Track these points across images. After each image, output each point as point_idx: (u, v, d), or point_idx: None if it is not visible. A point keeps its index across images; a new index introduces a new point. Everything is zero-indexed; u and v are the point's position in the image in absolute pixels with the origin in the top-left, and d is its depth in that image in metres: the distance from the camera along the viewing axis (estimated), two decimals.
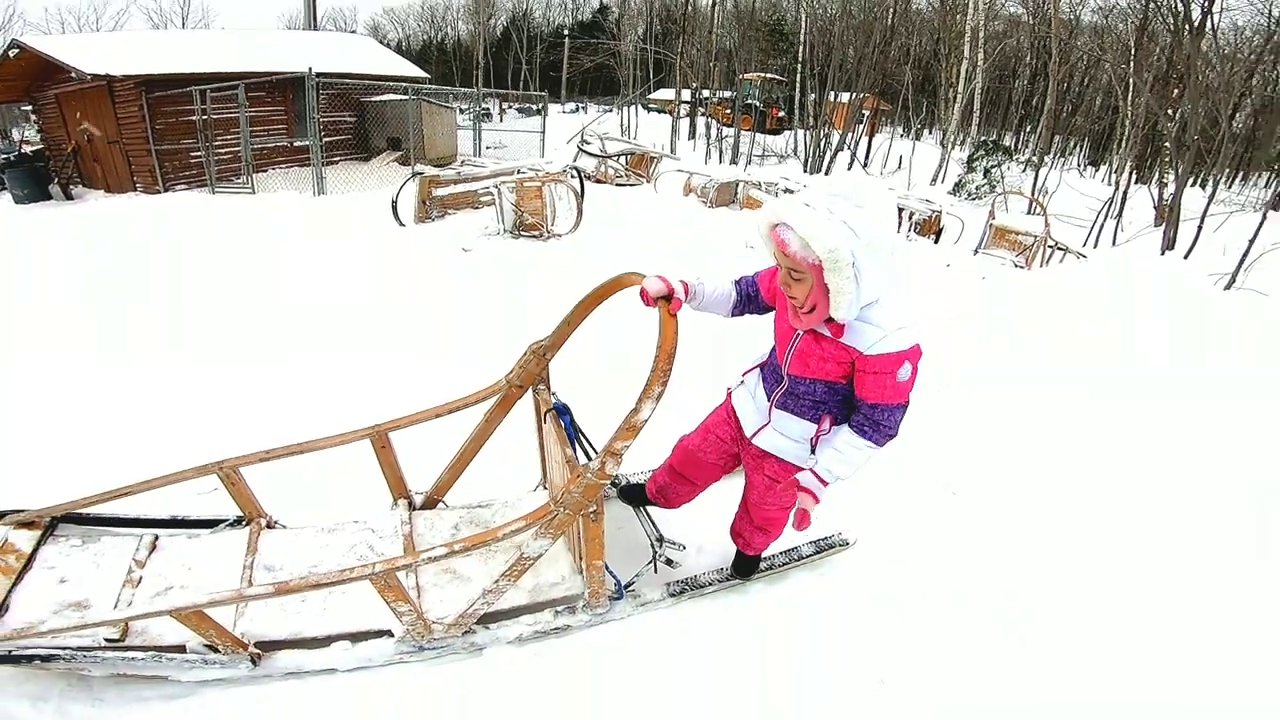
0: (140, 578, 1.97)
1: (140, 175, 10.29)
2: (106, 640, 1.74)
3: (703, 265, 4.93)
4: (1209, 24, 12.94)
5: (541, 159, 12.03)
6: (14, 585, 1.85)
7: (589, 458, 2.06)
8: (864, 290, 1.35)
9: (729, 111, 22.08)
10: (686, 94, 27.52)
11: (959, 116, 17.00)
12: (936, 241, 8.72)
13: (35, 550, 1.97)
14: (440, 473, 2.34)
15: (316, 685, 1.83)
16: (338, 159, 12.17)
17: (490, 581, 1.83)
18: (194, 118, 10.02)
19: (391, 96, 12.72)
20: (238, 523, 2.22)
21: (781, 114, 23.06)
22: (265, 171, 10.91)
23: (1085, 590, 2.35)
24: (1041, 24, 20.46)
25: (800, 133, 17.67)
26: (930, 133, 23.20)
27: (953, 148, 17.09)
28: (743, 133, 17.51)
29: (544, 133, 13.36)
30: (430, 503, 2.39)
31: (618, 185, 9.97)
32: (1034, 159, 16.38)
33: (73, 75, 9.87)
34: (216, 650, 1.76)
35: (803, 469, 1.66)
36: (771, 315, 1.76)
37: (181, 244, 5.72)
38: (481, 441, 2.27)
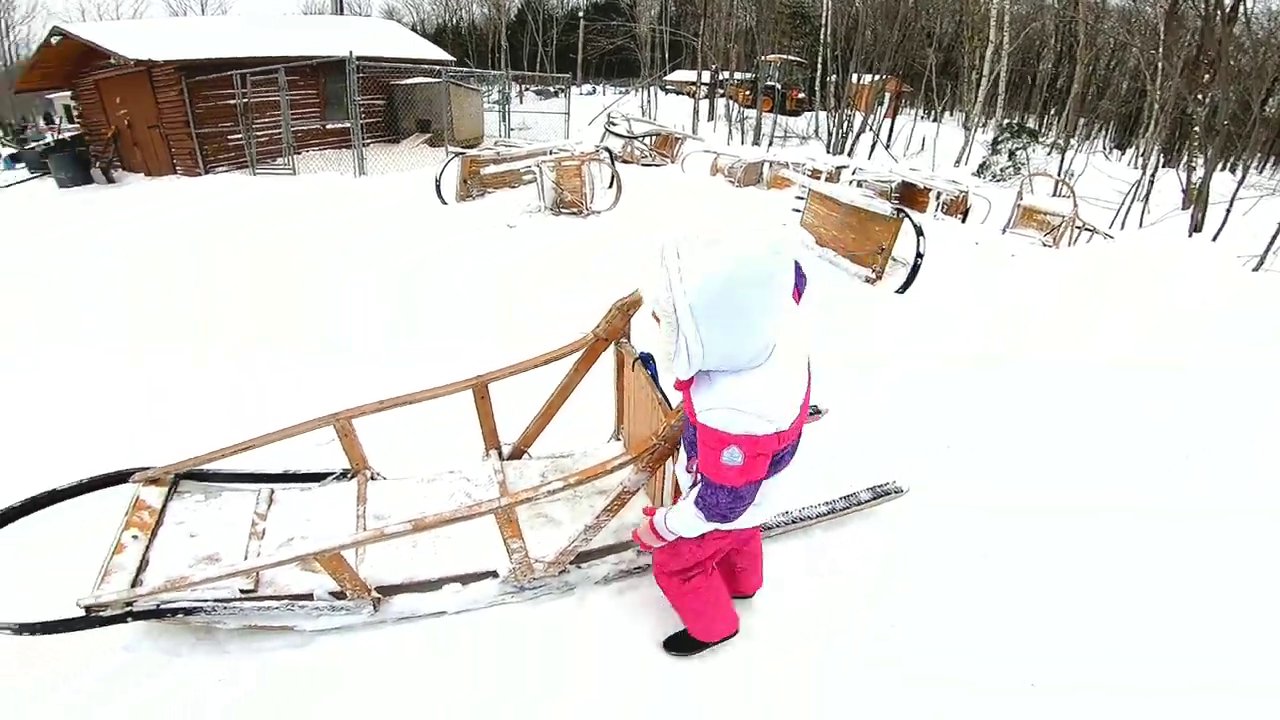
0: (264, 530, 2.09)
1: (180, 158, 10.55)
2: (241, 591, 1.85)
3: None
4: (1241, 8, 12.70)
5: (566, 140, 12.21)
6: (151, 541, 1.97)
7: (669, 404, 2.23)
8: (694, 351, 1.16)
9: (748, 93, 22.00)
10: (705, 76, 27.46)
11: (983, 99, 16.86)
12: (964, 221, 8.79)
13: (164, 506, 2.09)
14: (527, 424, 2.52)
15: (427, 627, 1.94)
16: (368, 141, 12.32)
17: (591, 518, 1.97)
18: (232, 101, 10.25)
19: (421, 79, 12.88)
20: (343, 475, 2.38)
21: (801, 95, 22.92)
22: (299, 154, 11.16)
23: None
24: (1068, 7, 20.12)
25: (821, 114, 17.62)
26: (952, 115, 22.98)
27: (976, 130, 16.96)
28: (763, 114, 17.54)
29: (568, 114, 13.47)
30: (516, 453, 2.56)
31: (644, 165, 10.09)
32: (1059, 142, 16.23)
33: (112, 61, 10.12)
34: (343, 596, 1.88)
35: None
36: None
37: (239, 226, 5.99)
38: (568, 393, 2.46)
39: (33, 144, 13.11)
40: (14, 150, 15.22)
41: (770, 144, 14.64)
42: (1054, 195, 9.75)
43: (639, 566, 2.15)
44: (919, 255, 4.73)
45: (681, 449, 1.64)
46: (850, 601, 2.09)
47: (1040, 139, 16.46)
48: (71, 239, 6.16)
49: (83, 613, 1.71)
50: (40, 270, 5.08)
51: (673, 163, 10.49)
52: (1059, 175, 13.38)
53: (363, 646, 1.88)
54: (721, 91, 20.84)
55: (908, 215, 4.89)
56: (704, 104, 19.83)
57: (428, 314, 4.02)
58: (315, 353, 3.53)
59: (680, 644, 1.89)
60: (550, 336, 3.36)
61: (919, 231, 4.78)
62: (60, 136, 12.38)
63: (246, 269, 4.89)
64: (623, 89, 37.60)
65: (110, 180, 10.89)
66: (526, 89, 25.90)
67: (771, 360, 1.23)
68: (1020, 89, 26.06)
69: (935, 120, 19.35)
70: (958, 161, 16.34)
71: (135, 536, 1.95)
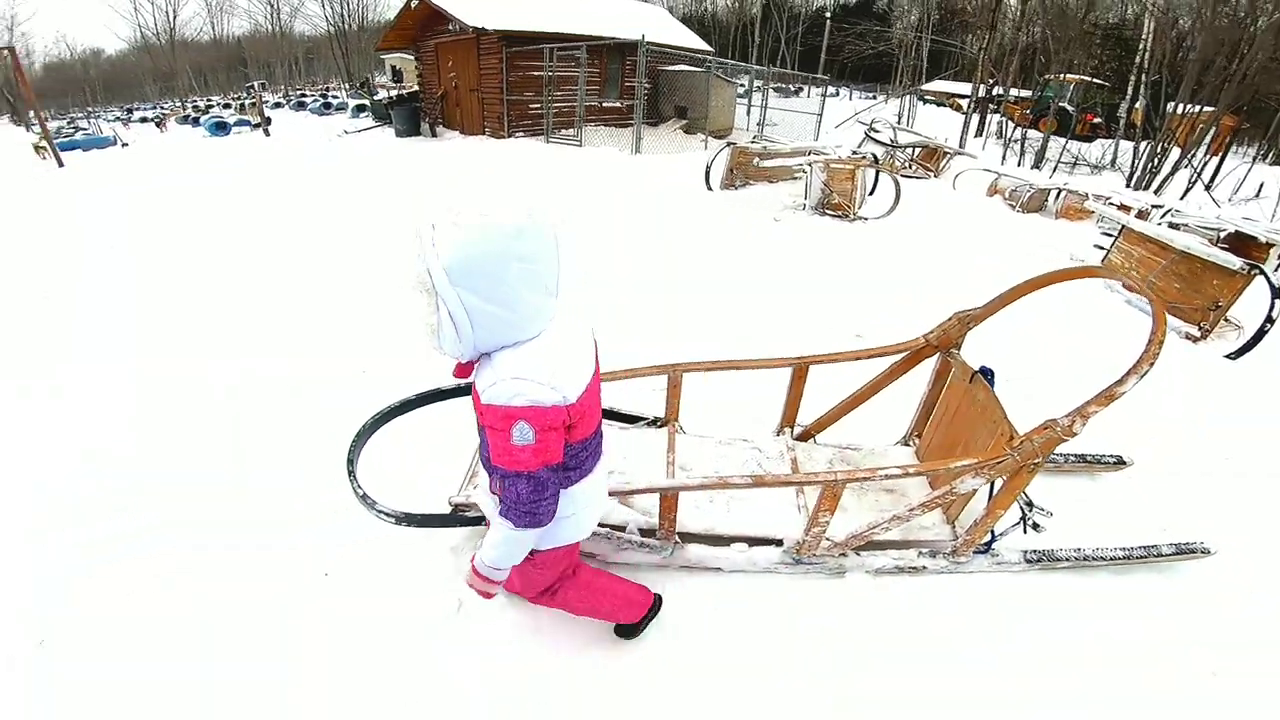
0: None
1: (489, 121, 12.30)
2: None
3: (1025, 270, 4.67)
4: None
5: (814, 141, 12.01)
6: None
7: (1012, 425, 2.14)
8: (459, 320, 1.12)
9: (1027, 112, 19.61)
10: (968, 88, 25.04)
11: None
12: None
13: None
14: (825, 411, 2.61)
15: (708, 579, 2.03)
16: (631, 122, 13.35)
17: (904, 509, 1.98)
18: (537, 73, 11.64)
19: (684, 67, 13.51)
20: (654, 423, 2.59)
21: (1097, 120, 19.85)
22: (572, 128, 12.36)
23: None
24: None
25: (1124, 143, 15.12)
26: None
27: None
28: (1040, 135, 15.54)
29: (820, 116, 13.21)
30: (804, 435, 2.65)
31: (903, 176, 9.61)
32: None
33: (450, 27, 11.87)
34: (652, 534, 2.00)
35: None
36: None
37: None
38: (876, 391, 2.49)
39: (380, 98, 16.12)
40: (363, 102, 18.95)
41: (1055, 170, 12.91)
42: None
43: (914, 567, 2.13)
44: (1270, 320, 3.99)
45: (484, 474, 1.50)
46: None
47: None
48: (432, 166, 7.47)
49: (450, 510, 1.95)
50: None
51: (936, 177, 9.81)
52: None
53: (648, 581, 1.94)
54: (994, 107, 18.83)
55: (1263, 272, 4.13)
56: (969, 118, 18.09)
57: (694, 292, 4.28)
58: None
59: (621, 631, 1.87)
60: (809, 334, 3.42)
61: (1276, 293, 4.01)
62: (399, 92, 15.06)
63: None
64: (869, 94, 35.85)
65: (434, 135, 13.08)
66: (762, 85, 25.83)
67: (547, 334, 1.22)
68: None
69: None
70: None
71: None
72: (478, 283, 1.09)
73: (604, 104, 12.68)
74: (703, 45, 15.44)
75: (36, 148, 16.77)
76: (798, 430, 2.66)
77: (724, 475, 1.91)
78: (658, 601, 1.85)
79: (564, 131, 11.50)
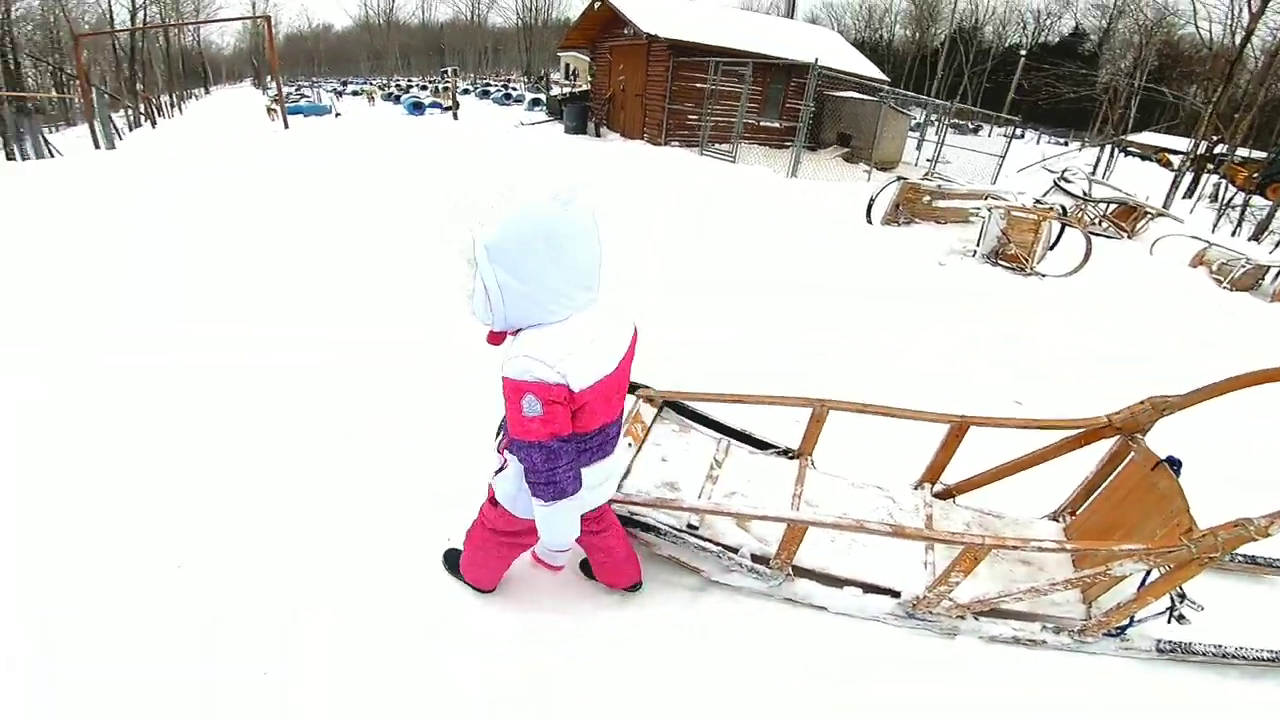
0: (717, 476, 2.27)
1: (649, 128, 12.72)
2: (689, 526, 2.02)
3: (1227, 357, 4.08)
4: None
5: (993, 184, 11.16)
6: (637, 452, 2.22)
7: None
8: (491, 291, 1.22)
9: (1253, 175, 16.96)
10: (1182, 143, 22.09)
11: None
12: None
13: (650, 425, 2.35)
14: (974, 473, 2.46)
15: (803, 616, 1.99)
16: (787, 144, 13.18)
17: (1044, 582, 1.88)
18: (699, 85, 11.87)
19: (852, 94, 13.09)
20: (785, 453, 2.55)
21: None
22: (726, 143, 12.41)
23: None
24: None
25: None
26: None
27: None
28: (1267, 203, 13.39)
29: (1003, 157, 12.25)
30: (944, 494, 2.52)
31: (1091, 234, 8.68)
32: None
33: (625, 31, 12.31)
34: (763, 561, 1.99)
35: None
36: None
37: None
38: (1039, 462, 2.32)
39: (554, 95, 17.16)
40: (539, 96, 20.28)
41: (1278, 246, 11.07)
42: None
43: (1033, 640, 2.00)
44: None
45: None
46: None
47: None
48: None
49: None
50: None
51: (1130, 238, 8.78)
52: None
53: (749, 608, 2.00)
54: (1213, 167, 16.47)
55: None
56: (1180, 176, 15.94)
57: (839, 330, 4.14)
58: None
59: (450, 561, 1.99)
60: (961, 391, 3.23)
61: None
62: (571, 90, 15.94)
63: (688, 233, 5.67)
64: (1059, 139, 32.63)
65: (598, 134, 13.74)
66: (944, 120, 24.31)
67: (572, 320, 1.27)
68: None
69: None
70: None
71: (630, 445, 2.23)
72: (511, 261, 1.19)
73: (761, 123, 12.65)
74: (877, 73, 14.91)
75: (268, 109, 19.72)
76: (937, 488, 2.54)
77: (860, 519, 1.88)
78: (479, 589, 1.94)
79: (718, 146, 11.61)
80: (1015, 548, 1.81)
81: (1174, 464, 1.98)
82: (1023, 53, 30.14)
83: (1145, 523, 1.96)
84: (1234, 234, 11.54)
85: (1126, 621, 1.96)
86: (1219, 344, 4.66)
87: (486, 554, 1.81)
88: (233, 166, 8.02)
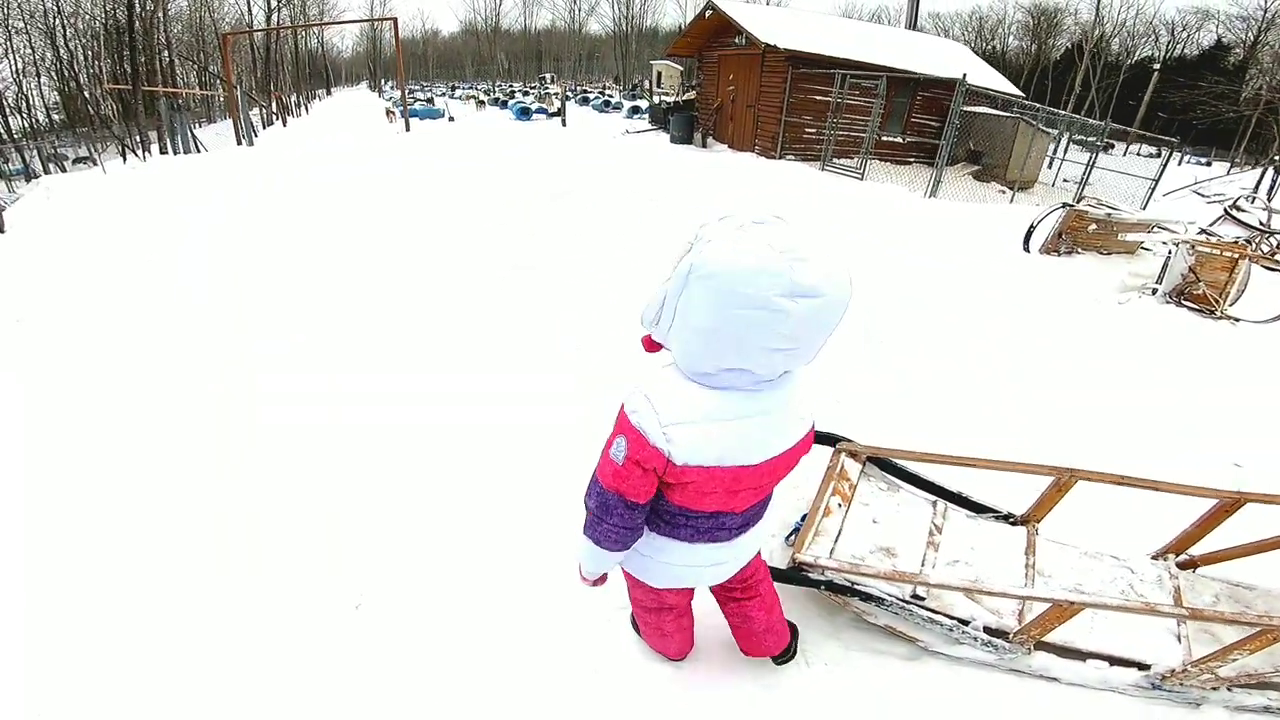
0: (939, 543, 2.11)
1: (762, 140, 12.39)
2: (914, 596, 1.89)
3: None
4: None
5: (1143, 210, 10.13)
6: (846, 512, 2.09)
7: None
8: (665, 311, 1.04)
9: None
10: None
11: None
12: None
13: (856, 483, 2.20)
14: (1226, 546, 2.13)
15: (1030, 686, 1.85)
16: (910, 160, 12.53)
17: None
18: (819, 97, 11.45)
19: (985, 109, 12.27)
20: (1007, 518, 2.31)
21: None
22: (850, 159, 11.94)
23: None
24: None
25: None
26: None
27: None
28: None
29: (1157, 181, 11.12)
30: (1188, 565, 2.23)
31: (1267, 268, 7.67)
32: None
33: (736, 40, 12.00)
34: (1001, 635, 1.85)
35: None
36: None
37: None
38: None
39: (659, 103, 17.11)
40: (640, 104, 20.35)
41: None
42: None
43: None
44: None
45: None
46: None
47: None
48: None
49: (792, 566, 1.89)
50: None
51: None
52: None
53: (977, 680, 1.85)
54: None
55: None
56: None
57: (1007, 378, 3.72)
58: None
59: (634, 623, 1.84)
60: (1166, 451, 2.94)
61: None
62: (678, 99, 15.82)
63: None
64: (1200, 159, 29.71)
65: (704, 145, 13.55)
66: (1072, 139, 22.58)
67: (725, 393, 1.06)
68: None
69: None
70: None
71: (839, 504, 2.11)
72: (695, 300, 0.96)
73: (883, 138, 12.04)
74: (1013, 89, 13.96)
75: (388, 111, 20.79)
76: (1184, 557, 2.26)
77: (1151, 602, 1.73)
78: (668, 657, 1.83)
79: (840, 161, 11.12)
80: None
81: None
82: (1155, 66, 27.58)
83: None
84: None
85: None
86: None
87: (649, 628, 1.72)
88: (371, 167, 8.41)
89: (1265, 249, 8.20)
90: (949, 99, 11.23)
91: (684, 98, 16.53)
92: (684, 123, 13.76)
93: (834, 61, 11.44)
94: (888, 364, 3.76)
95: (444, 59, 64.03)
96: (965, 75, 9.12)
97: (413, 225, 5.89)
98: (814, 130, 11.73)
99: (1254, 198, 9.74)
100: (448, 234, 5.65)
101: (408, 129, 14.60)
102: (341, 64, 64.34)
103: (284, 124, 23.51)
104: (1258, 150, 24.48)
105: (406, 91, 19.18)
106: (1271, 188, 15.45)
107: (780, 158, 11.61)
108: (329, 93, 47.78)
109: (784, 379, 1.11)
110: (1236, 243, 5.60)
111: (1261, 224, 8.40)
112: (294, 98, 33.46)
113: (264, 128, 21.50)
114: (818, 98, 11.62)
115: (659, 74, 30.81)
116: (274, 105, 25.70)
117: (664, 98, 19.56)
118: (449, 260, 5.05)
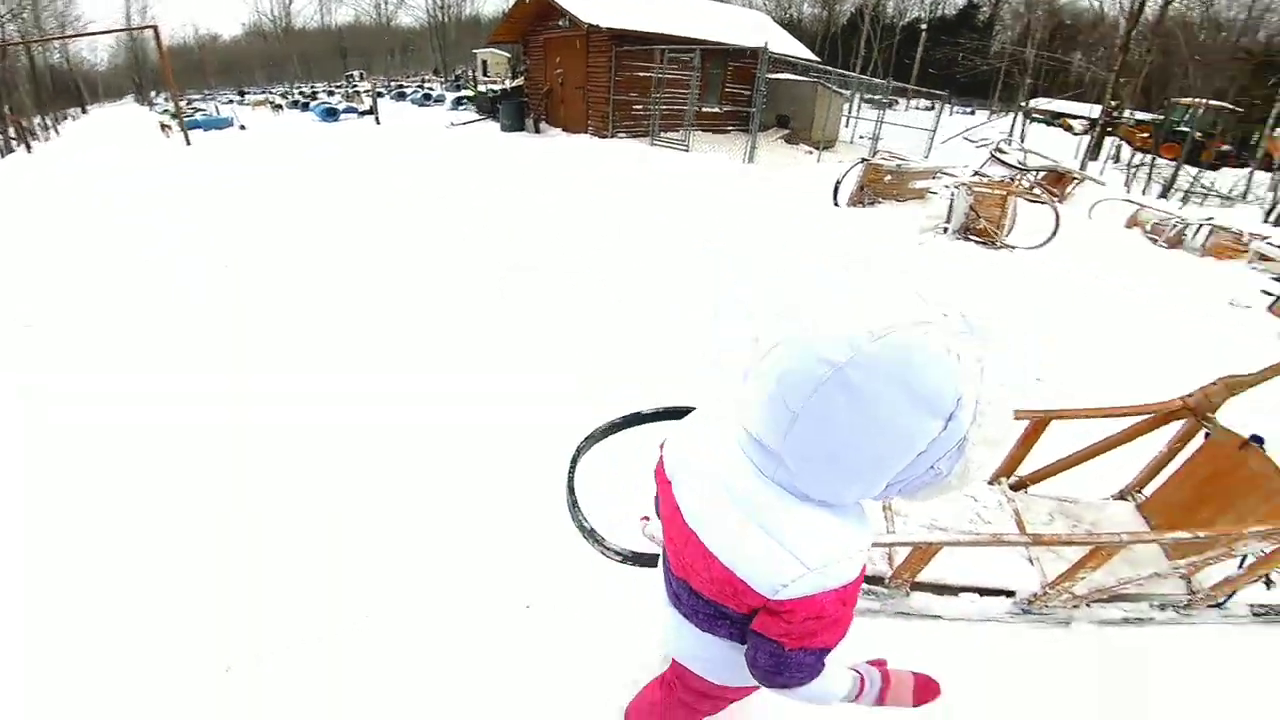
0: None
1: (594, 120, 12.38)
2: None
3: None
4: None
5: (925, 158, 11.59)
6: None
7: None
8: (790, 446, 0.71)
9: (1146, 136, 18.39)
10: (1079, 107, 23.72)
11: None
12: None
13: None
14: (1050, 462, 2.46)
15: (921, 627, 1.97)
16: (729, 129, 13.19)
17: (1167, 567, 1.89)
18: (643, 74, 11.62)
19: (787, 76, 13.24)
20: None
21: (1226, 147, 18.41)
22: (675, 132, 12.31)
23: None
24: None
25: (1261, 174, 13.96)
26: None
27: None
28: (1166, 162, 14.60)
29: (935, 131, 12.74)
30: (1019, 485, 2.52)
31: (1029, 201, 9.14)
32: None
33: (559, 23, 11.82)
34: (880, 582, 1.99)
35: None
36: None
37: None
38: (1112, 448, 2.33)
39: (484, 92, 16.48)
40: (465, 95, 19.48)
41: (1185, 200, 12.01)
42: None
43: (1139, 618, 2.06)
44: None
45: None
46: None
47: None
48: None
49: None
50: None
51: (1060, 203, 9.29)
52: None
53: (868, 630, 1.94)
54: (1110, 130, 17.74)
55: None
56: (1086, 140, 17.11)
57: None
58: None
59: None
60: None
61: None
62: (504, 86, 15.31)
63: (662, 230, 5.54)
64: (965, 109, 34.42)
65: (537, 131, 13.28)
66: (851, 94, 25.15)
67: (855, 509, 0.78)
68: None
69: None
70: None
71: None
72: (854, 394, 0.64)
73: (702, 109, 12.57)
74: (810, 55, 15.15)
75: (162, 126, 18.07)
76: (1012, 480, 2.53)
77: (997, 533, 1.84)
78: None
79: (667, 135, 11.45)
80: (1153, 541, 1.80)
81: (1259, 441, 2.01)
82: (923, 26, 31.51)
83: (1241, 500, 1.99)
84: (1143, 192, 12.46)
85: (1230, 594, 2.00)
86: (1186, 301, 4.96)
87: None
88: (158, 178, 7.25)
89: (1025, 184, 9.75)
90: (757, 69, 11.98)
91: (513, 84, 16.05)
92: (514, 110, 13.37)
93: (653, 37, 11.59)
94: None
95: (228, 65, 56.78)
96: (767, 44, 9.74)
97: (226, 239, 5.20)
98: (641, 106, 11.94)
99: (1010, 140, 11.52)
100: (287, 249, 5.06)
101: (188, 143, 12.83)
102: (97, 78, 54.68)
103: (28, 150, 19.57)
104: (1008, 98, 28.79)
105: (186, 102, 16.71)
106: (1023, 131, 18.33)
107: (613, 136, 11.71)
108: (84, 111, 40.40)
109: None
110: (1003, 181, 6.59)
111: (1020, 163, 9.98)
112: (37, 119, 27.94)
113: (0, 156, 17.75)
114: (642, 74, 11.79)
115: (484, 62, 29.68)
116: (12, 130, 21.28)
117: (492, 86, 18.88)
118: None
